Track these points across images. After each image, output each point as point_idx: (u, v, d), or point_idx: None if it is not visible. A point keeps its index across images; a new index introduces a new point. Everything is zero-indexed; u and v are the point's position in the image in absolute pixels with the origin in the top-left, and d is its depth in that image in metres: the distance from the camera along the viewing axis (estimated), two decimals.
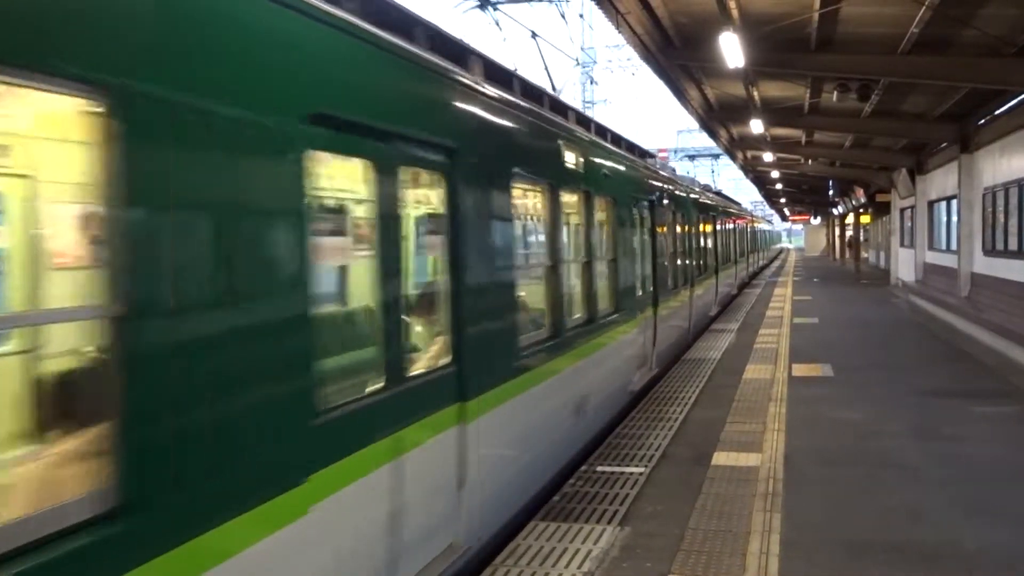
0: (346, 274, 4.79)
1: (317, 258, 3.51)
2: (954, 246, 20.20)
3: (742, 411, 9.18)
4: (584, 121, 9.16)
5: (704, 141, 44.95)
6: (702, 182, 28.29)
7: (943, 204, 22.71)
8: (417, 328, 4.84)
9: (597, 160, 8.44)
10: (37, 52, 2.30)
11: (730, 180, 67.87)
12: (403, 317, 4.23)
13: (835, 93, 16.22)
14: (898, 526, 5.71)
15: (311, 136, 3.45)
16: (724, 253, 22.67)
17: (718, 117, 22.86)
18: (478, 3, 11.37)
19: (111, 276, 2.52)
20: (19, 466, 3.19)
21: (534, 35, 12.28)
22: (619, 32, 13.24)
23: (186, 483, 2.76)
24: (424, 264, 5.24)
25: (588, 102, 43.53)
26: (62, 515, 2.36)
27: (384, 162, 4.10)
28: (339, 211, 4.37)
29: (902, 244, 29.18)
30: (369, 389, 3.99)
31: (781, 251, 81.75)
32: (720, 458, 7.32)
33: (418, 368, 4.49)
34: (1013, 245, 15.90)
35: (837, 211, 52.19)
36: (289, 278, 3.30)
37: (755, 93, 18.37)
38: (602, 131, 10.10)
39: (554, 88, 12.31)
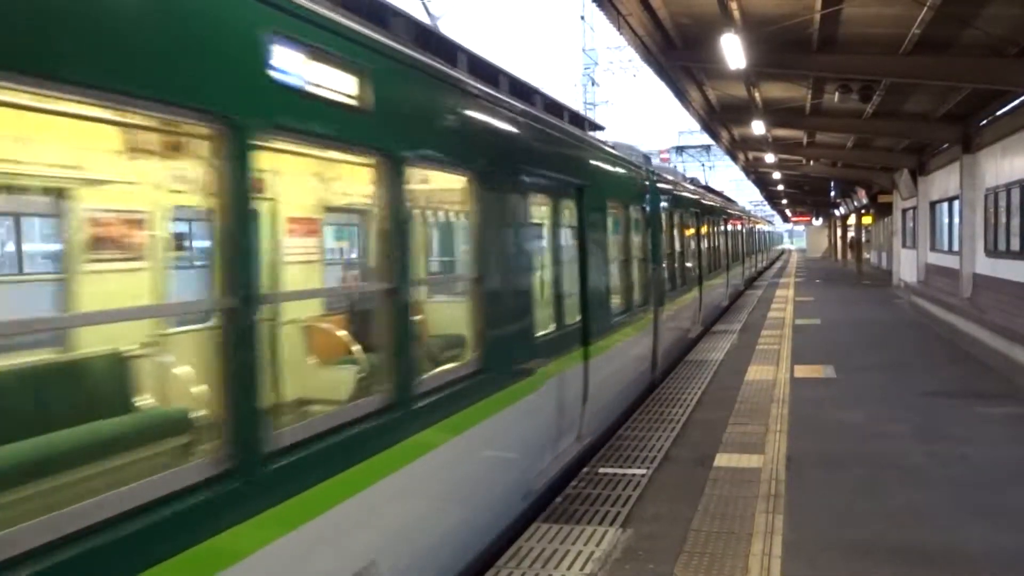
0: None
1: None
2: (956, 247, 20.18)
3: (744, 413, 9.17)
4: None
5: (705, 142, 44.96)
6: (696, 180, 23.49)
7: (945, 205, 22.68)
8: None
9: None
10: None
11: (731, 181, 67.84)
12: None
13: (837, 94, 16.21)
14: (901, 527, 5.70)
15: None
16: (712, 260, 18.80)
17: (719, 118, 22.85)
18: None
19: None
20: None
21: None
22: (620, 33, 13.24)
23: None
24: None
25: (589, 103, 43.55)
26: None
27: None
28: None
29: (904, 245, 29.14)
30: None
31: (783, 252, 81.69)
32: (722, 460, 7.31)
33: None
34: (1015, 246, 15.87)
35: (839, 212, 52.17)
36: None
37: (756, 94, 18.37)
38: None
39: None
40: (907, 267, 27.43)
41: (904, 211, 28.98)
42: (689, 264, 14.86)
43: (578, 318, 7.26)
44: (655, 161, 16.51)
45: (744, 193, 68.39)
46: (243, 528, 2.94)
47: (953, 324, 16.44)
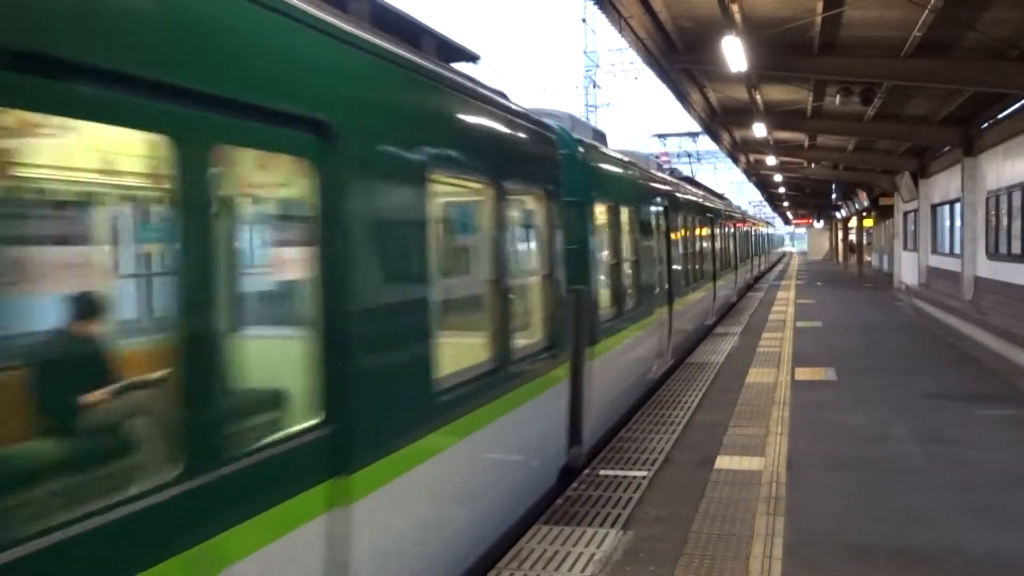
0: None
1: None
2: (957, 249, 20.19)
3: (745, 415, 9.17)
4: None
5: (707, 144, 44.94)
6: (677, 171, 20.66)
7: (946, 207, 22.69)
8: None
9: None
10: None
11: (732, 184, 67.83)
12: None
13: (838, 97, 16.21)
14: (902, 530, 5.70)
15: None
16: (695, 270, 14.98)
17: (721, 121, 22.87)
18: None
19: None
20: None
21: None
22: (622, 36, 13.26)
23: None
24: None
25: (591, 105, 43.58)
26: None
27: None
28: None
29: (905, 247, 29.15)
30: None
31: (784, 255, 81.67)
32: (723, 462, 7.31)
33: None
34: (1016, 248, 15.88)
35: (840, 214, 52.17)
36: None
37: (758, 97, 18.38)
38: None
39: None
40: (908, 270, 27.43)
41: (905, 214, 28.98)
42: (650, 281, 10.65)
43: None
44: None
45: (744, 194, 68.42)
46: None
47: (954, 327, 16.45)
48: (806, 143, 26.40)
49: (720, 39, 12.07)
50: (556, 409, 6.55)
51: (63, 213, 3.53)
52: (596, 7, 12.41)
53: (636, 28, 12.97)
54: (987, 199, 18.03)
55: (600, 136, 9.91)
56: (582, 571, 4.94)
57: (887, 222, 35.68)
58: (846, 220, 51.22)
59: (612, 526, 5.73)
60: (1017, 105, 15.94)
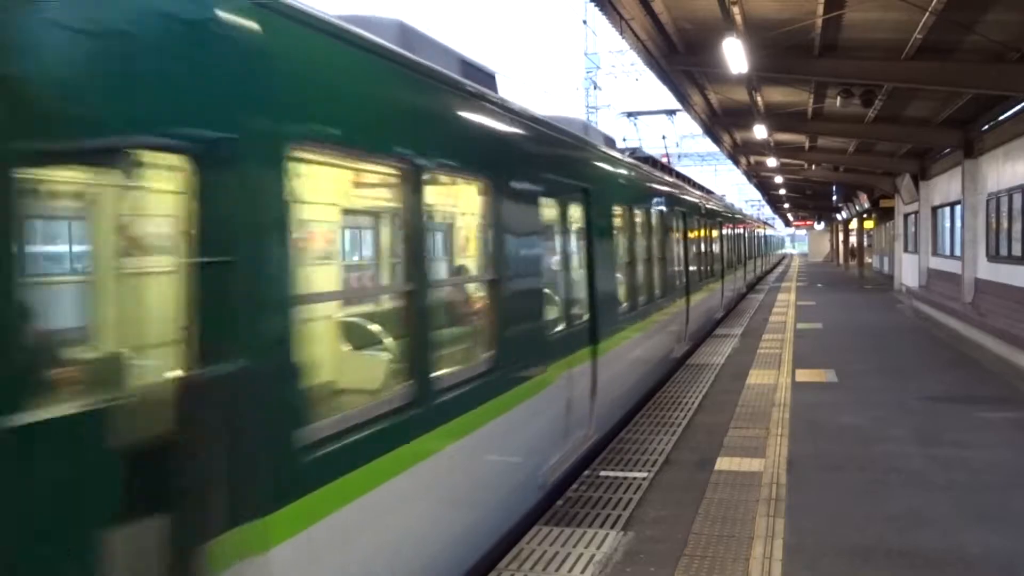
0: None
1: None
2: (958, 251, 20.19)
3: (745, 416, 9.17)
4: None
5: (708, 146, 44.92)
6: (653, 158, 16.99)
7: (947, 209, 22.70)
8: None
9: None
10: None
11: (733, 185, 67.87)
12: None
13: (838, 98, 16.23)
14: (902, 532, 5.70)
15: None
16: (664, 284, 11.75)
17: (721, 122, 22.89)
18: None
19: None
20: None
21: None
22: (622, 37, 13.28)
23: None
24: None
25: (592, 107, 43.56)
26: None
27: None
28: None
29: (906, 249, 29.16)
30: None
31: (784, 257, 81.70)
32: (723, 463, 7.32)
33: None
34: (1017, 251, 15.89)
35: (841, 216, 52.19)
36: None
37: (758, 98, 18.39)
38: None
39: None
40: (909, 272, 27.43)
41: (906, 216, 28.99)
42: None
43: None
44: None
45: (744, 194, 68.40)
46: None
47: (955, 329, 16.45)
48: (807, 145, 26.41)
49: (721, 41, 12.09)
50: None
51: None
52: (597, 8, 12.42)
53: (637, 30, 12.99)
54: (987, 201, 18.04)
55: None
56: (582, 572, 4.95)
57: (888, 224, 35.69)
58: (847, 222, 51.24)
59: (612, 527, 5.73)
60: (1017, 107, 15.95)
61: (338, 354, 5.04)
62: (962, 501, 6.31)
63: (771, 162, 29.38)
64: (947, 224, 22.96)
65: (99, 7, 2.48)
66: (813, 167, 32.02)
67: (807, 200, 52.77)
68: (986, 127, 18.15)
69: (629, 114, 24.98)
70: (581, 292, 7.52)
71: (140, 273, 2.94)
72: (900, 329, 17.74)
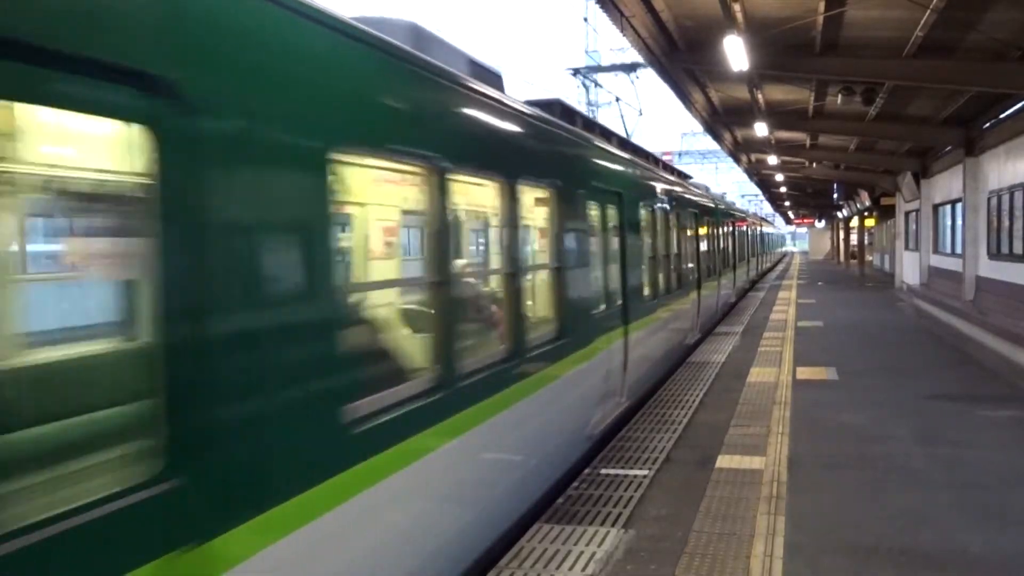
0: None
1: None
2: (959, 250, 20.19)
3: (746, 415, 9.17)
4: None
5: (708, 143, 44.88)
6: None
7: (948, 208, 22.70)
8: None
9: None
10: None
11: (734, 183, 67.83)
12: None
13: (839, 96, 16.22)
14: (903, 530, 5.70)
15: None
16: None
17: (722, 120, 22.87)
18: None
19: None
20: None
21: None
22: (623, 35, 13.27)
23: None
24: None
25: (592, 104, 43.52)
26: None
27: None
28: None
29: (907, 247, 29.15)
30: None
31: (785, 255, 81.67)
32: (724, 461, 7.32)
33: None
34: (1018, 249, 15.89)
35: (842, 214, 52.15)
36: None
37: (759, 96, 18.39)
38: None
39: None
40: (910, 270, 27.43)
41: (907, 214, 28.98)
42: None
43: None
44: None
45: (743, 189, 68.33)
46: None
47: (956, 327, 16.44)
48: (808, 143, 26.40)
49: (722, 39, 12.08)
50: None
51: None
52: (598, 6, 12.41)
53: (638, 27, 12.98)
54: (989, 199, 18.03)
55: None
56: (583, 570, 4.95)
57: (889, 222, 35.68)
58: (847, 220, 51.20)
59: (613, 525, 5.74)
60: (1018, 106, 15.94)
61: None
62: (963, 500, 6.31)
63: (772, 160, 29.37)
64: (948, 222, 22.96)
65: None
66: (814, 165, 32.00)
67: (808, 198, 52.77)
68: (987, 125, 18.14)
69: (576, 71, 20.61)
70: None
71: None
72: (901, 327, 17.73)
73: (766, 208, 76.67)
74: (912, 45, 12.93)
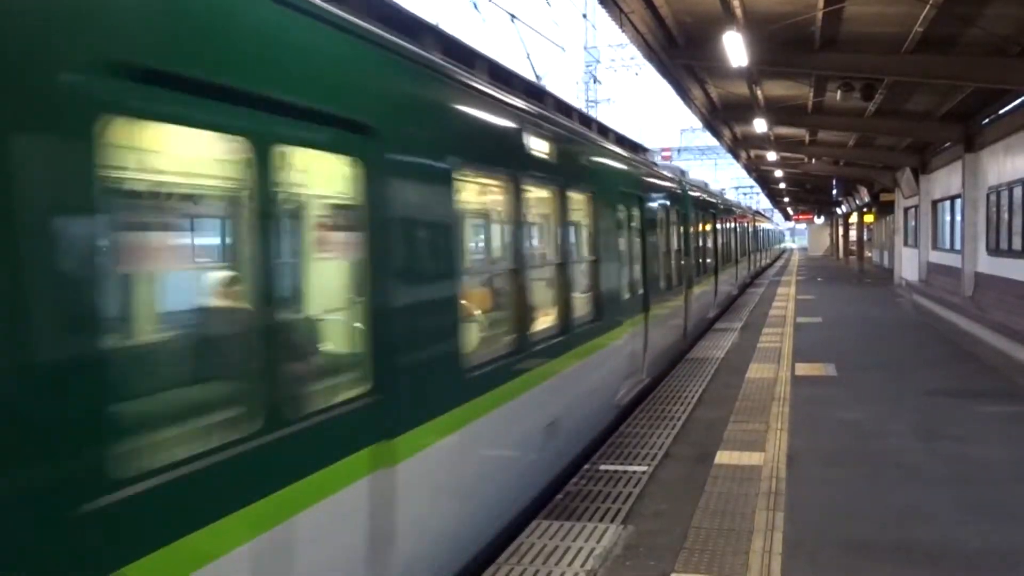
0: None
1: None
2: (958, 246, 20.19)
3: (745, 410, 9.18)
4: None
5: (708, 140, 44.87)
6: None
7: (947, 203, 22.69)
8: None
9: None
10: None
11: (734, 179, 67.78)
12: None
13: (839, 92, 16.19)
14: (901, 525, 5.71)
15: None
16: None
17: (722, 116, 22.85)
18: None
19: None
20: None
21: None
22: (623, 31, 13.24)
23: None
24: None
25: (591, 101, 43.52)
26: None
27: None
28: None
29: (906, 244, 29.15)
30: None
31: (784, 252, 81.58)
32: (723, 457, 7.32)
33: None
34: (1017, 244, 15.88)
35: (841, 211, 52.13)
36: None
37: (759, 92, 18.36)
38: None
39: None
40: (909, 266, 27.43)
41: (906, 210, 28.97)
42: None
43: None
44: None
45: (742, 182, 68.19)
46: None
47: (955, 323, 16.45)
48: (807, 139, 26.38)
49: (721, 34, 12.06)
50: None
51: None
52: (597, 2, 12.39)
53: (637, 23, 12.95)
54: (988, 195, 18.02)
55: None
56: (582, 565, 4.95)
57: (888, 218, 35.67)
58: (847, 216, 51.18)
59: (612, 521, 5.74)
60: (1018, 101, 15.92)
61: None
62: (961, 495, 6.31)
63: (771, 156, 29.33)
64: (947, 218, 22.95)
65: None
66: (813, 161, 31.98)
67: (807, 194, 52.71)
68: (987, 121, 18.13)
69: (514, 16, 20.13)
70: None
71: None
72: (900, 323, 17.74)
73: (764, 203, 76.49)
74: (911, 40, 12.92)
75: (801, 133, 25.27)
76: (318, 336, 4.03)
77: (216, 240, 4.40)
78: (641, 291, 9.88)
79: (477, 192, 6.08)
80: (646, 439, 7.95)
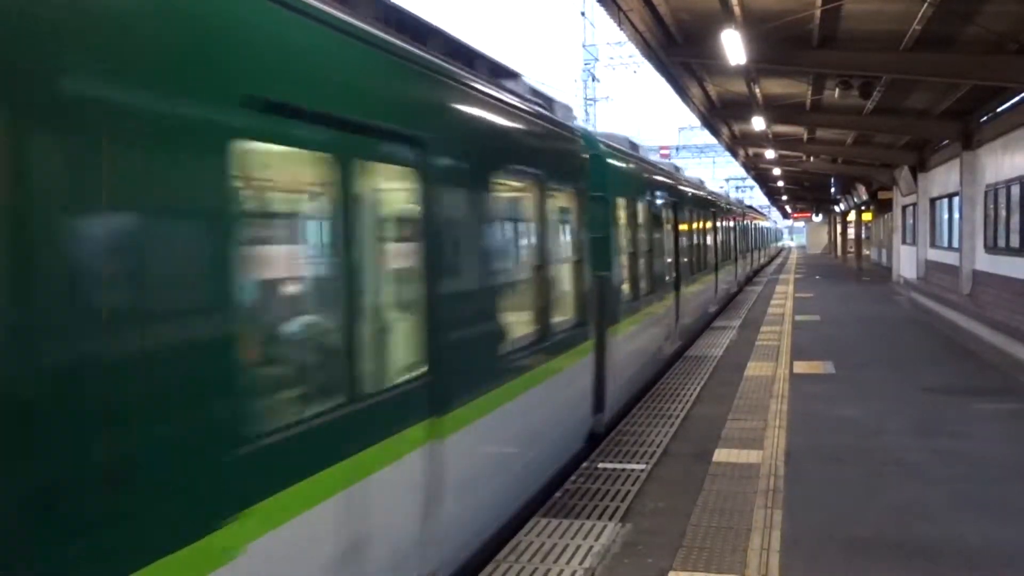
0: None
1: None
2: (956, 243, 20.20)
3: (744, 408, 9.18)
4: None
5: (706, 138, 44.88)
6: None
7: (945, 201, 22.69)
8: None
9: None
10: None
11: (726, 175, 67.76)
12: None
13: (837, 90, 16.20)
14: (900, 523, 5.71)
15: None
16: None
17: (720, 114, 22.84)
18: None
19: None
20: None
21: None
22: (621, 29, 13.23)
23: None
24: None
25: (590, 99, 43.51)
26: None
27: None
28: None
29: (904, 241, 29.15)
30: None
31: (782, 250, 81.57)
32: (721, 455, 7.32)
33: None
34: (1015, 242, 15.88)
35: (839, 208, 52.15)
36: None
37: (757, 90, 18.34)
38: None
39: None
40: (907, 263, 27.45)
41: (904, 207, 28.98)
42: None
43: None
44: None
45: (738, 178, 68.14)
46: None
47: (953, 320, 16.46)
48: (805, 137, 26.37)
49: (719, 32, 12.05)
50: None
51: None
52: (595, 0, 12.37)
53: (635, 21, 12.94)
54: (986, 193, 18.02)
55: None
56: (580, 563, 4.95)
57: (886, 216, 35.70)
58: (845, 214, 51.19)
59: (610, 519, 5.73)
60: (1016, 99, 15.92)
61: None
62: (960, 493, 6.31)
63: (769, 154, 29.32)
64: (945, 216, 22.94)
65: None
66: (811, 159, 31.98)
67: (805, 192, 52.73)
68: (985, 119, 18.12)
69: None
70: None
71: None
72: (898, 321, 17.75)
73: (759, 196, 76.29)
74: (910, 38, 12.91)
75: (799, 131, 25.26)
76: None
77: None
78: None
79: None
80: (645, 437, 7.95)
